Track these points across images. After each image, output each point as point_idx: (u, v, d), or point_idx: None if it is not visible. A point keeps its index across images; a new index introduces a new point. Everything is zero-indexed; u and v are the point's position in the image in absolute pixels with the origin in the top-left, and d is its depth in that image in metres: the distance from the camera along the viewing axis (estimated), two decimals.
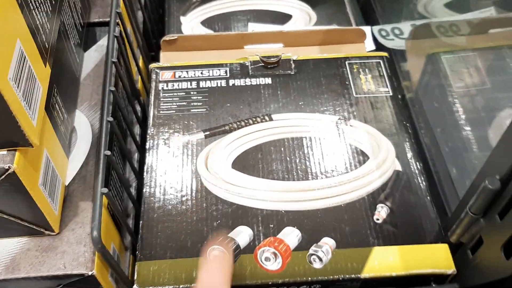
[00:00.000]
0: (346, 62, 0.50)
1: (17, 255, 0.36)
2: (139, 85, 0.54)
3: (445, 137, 0.48)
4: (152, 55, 0.62)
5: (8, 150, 0.30)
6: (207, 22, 0.62)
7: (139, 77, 0.54)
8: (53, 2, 0.35)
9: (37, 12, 0.31)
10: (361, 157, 0.43)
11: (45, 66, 0.32)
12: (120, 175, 0.41)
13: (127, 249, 0.43)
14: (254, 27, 0.60)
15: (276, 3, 0.63)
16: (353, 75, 0.49)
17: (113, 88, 0.40)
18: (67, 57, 0.40)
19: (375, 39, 0.60)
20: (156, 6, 0.66)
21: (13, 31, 0.27)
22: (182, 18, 0.62)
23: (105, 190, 0.35)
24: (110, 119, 0.39)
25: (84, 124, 0.42)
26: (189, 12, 0.63)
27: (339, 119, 0.46)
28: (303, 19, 0.62)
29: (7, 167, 0.29)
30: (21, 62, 0.28)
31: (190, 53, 0.55)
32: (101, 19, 0.50)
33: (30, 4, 0.30)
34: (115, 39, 0.44)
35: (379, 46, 0.59)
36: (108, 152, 0.37)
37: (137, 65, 0.53)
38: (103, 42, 0.48)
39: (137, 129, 0.51)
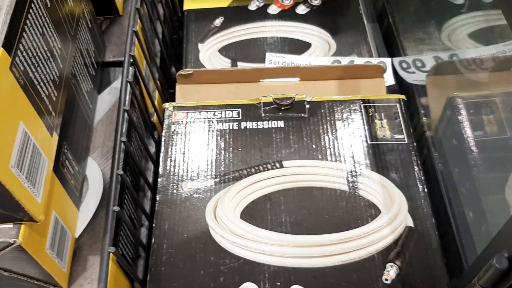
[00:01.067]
0: (362, 105, 0.49)
1: None
2: (155, 118, 0.54)
3: (463, 178, 0.47)
4: (169, 78, 0.62)
5: (14, 224, 0.30)
6: (224, 50, 0.61)
7: (154, 110, 0.54)
8: (61, 66, 0.35)
9: (43, 86, 0.31)
10: (373, 210, 0.43)
11: (52, 136, 0.32)
12: (131, 230, 0.41)
13: None
14: (272, 58, 0.59)
15: (295, 30, 0.62)
16: (368, 119, 0.48)
17: (124, 139, 0.41)
18: (79, 108, 0.41)
19: (395, 72, 0.59)
20: (174, 27, 0.66)
21: (15, 115, 0.27)
22: (200, 46, 0.61)
23: (113, 249, 0.36)
24: (120, 172, 0.39)
25: (95, 172, 0.42)
26: (207, 39, 0.62)
27: (351, 168, 0.45)
28: (322, 48, 0.61)
29: (12, 241, 0.30)
30: (25, 144, 0.28)
31: (205, 86, 0.55)
32: (115, 59, 0.50)
33: (34, 80, 0.30)
34: (128, 84, 0.44)
35: (399, 80, 0.58)
36: (117, 208, 0.37)
37: (151, 99, 0.53)
38: (116, 84, 0.48)
39: (150, 165, 0.51)
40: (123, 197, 0.42)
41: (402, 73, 0.58)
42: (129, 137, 0.44)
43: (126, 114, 0.43)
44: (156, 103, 0.54)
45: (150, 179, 0.51)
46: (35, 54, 0.30)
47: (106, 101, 0.47)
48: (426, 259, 0.40)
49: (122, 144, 0.41)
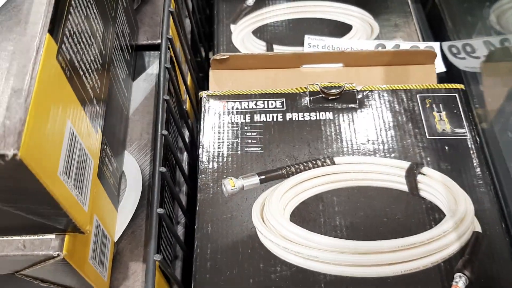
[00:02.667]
0: (418, 96, 0.45)
1: None
2: (187, 105, 0.50)
3: None
4: (197, 61, 0.57)
5: (56, 234, 0.26)
6: (258, 32, 0.56)
7: (187, 96, 0.50)
8: (103, 52, 0.31)
9: (87, 76, 0.27)
10: (436, 214, 0.39)
11: (97, 134, 0.28)
12: (173, 232, 0.37)
13: None
14: (311, 41, 0.55)
15: (335, 11, 0.58)
16: (425, 111, 0.44)
17: (165, 132, 0.36)
18: (116, 98, 0.36)
19: (444, 57, 0.54)
20: (204, 7, 0.61)
21: (62, 113, 0.23)
22: (232, 27, 0.57)
23: (159, 257, 0.32)
24: (163, 170, 0.35)
25: (133, 169, 0.38)
26: (240, 20, 0.57)
27: (410, 165, 0.41)
28: (364, 30, 0.56)
29: (55, 255, 0.26)
30: (72, 146, 0.24)
31: (241, 72, 0.50)
32: (149, 42, 0.45)
33: (80, 70, 0.25)
34: (166, 70, 0.39)
35: (448, 66, 0.53)
36: (162, 211, 0.33)
37: (185, 83, 0.48)
38: (152, 70, 0.44)
39: (185, 156, 0.47)
40: (163, 195, 0.38)
41: (452, 59, 0.53)
42: (167, 128, 0.40)
43: (165, 104, 0.38)
44: (189, 86, 0.50)
45: (186, 171, 0.47)
46: (80, 39, 0.25)
47: (142, 89, 0.43)
48: (498, 268, 0.37)
49: (163, 137, 0.37)
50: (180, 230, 0.44)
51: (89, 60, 0.27)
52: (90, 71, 0.27)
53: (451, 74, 0.54)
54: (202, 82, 0.57)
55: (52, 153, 0.21)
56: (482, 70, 0.51)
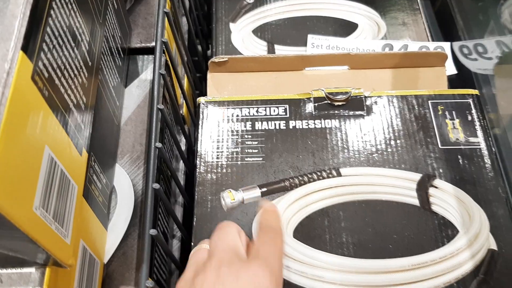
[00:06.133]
0: (429, 102, 0.42)
1: None
2: (184, 110, 0.47)
3: None
4: (195, 60, 0.54)
5: (36, 268, 0.24)
6: (259, 31, 0.54)
7: (183, 100, 0.47)
8: (89, 63, 0.28)
9: (70, 93, 0.24)
10: (449, 230, 0.36)
11: (81, 155, 0.26)
12: (167, 251, 0.35)
13: None
14: (314, 40, 0.52)
15: (340, 9, 0.55)
16: (437, 119, 0.41)
17: (159, 145, 0.34)
18: (105, 108, 0.34)
19: (455, 58, 0.51)
20: (201, 4, 0.58)
21: (39, 140, 0.20)
22: (231, 26, 0.54)
23: (151, 283, 0.29)
24: (157, 186, 0.32)
25: (125, 183, 0.36)
26: (239, 18, 0.54)
27: (421, 178, 0.39)
28: (371, 29, 0.53)
29: None
30: (51, 174, 0.21)
31: (241, 74, 0.47)
32: (143, 45, 0.42)
33: (61, 88, 0.23)
34: (161, 77, 0.37)
35: (459, 68, 0.51)
36: (154, 232, 0.31)
37: (181, 87, 0.46)
38: (145, 75, 0.41)
39: (181, 165, 0.45)
40: (157, 212, 0.36)
41: (464, 60, 0.51)
42: (161, 139, 0.38)
43: (159, 113, 0.36)
44: (185, 90, 0.47)
45: (182, 181, 0.45)
46: (61, 53, 0.23)
47: (135, 96, 0.40)
48: None
49: (157, 150, 0.34)
50: (176, 244, 0.41)
51: (72, 74, 0.24)
52: (73, 86, 0.25)
53: (462, 76, 0.51)
54: (199, 84, 0.55)
55: (26, 187, 0.19)
56: (495, 72, 0.49)
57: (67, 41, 0.25)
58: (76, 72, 0.26)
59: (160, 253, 0.36)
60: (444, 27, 0.57)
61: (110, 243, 0.34)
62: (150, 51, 0.43)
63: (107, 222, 0.34)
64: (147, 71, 0.42)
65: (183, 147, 0.46)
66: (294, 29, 0.53)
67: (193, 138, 0.44)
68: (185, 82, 0.48)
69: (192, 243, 0.36)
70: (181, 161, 0.45)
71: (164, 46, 0.38)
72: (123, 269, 0.33)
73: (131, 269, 0.33)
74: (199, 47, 0.57)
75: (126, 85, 0.41)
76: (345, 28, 0.53)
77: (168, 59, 0.39)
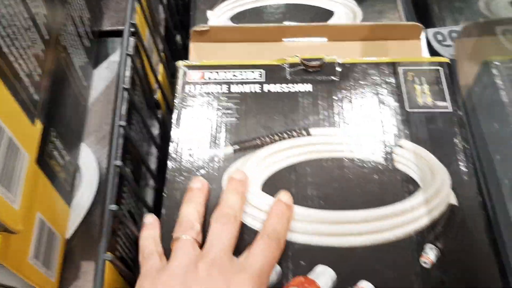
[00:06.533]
0: (400, 68, 0.44)
1: None
2: (159, 95, 0.48)
3: (505, 166, 0.41)
4: (174, 49, 0.56)
5: None
6: (237, 18, 0.55)
7: (158, 86, 0.48)
8: (46, 37, 0.29)
9: (21, 62, 0.26)
10: (411, 186, 0.38)
11: (34, 124, 0.27)
12: (132, 229, 0.36)
13: None
14: None
15: None
16: (407, 84, 0.43)
17: (123, 123, 0.35)
18: (70, 87, 0.35)
19: (430, 46, 0.53)
20: None
21: None
22: (209, 13, 0.56)
23: (109, 257, 0.30)
24: (119, 163, 0.33)
25: (90, 161, 0.37)
26: (217, 6, 0.56)
27: (387, 138, 0.40)
28: (347, 17, 0.55)
29: None
30: None
31: (223, 45, 0.50)
32: (114, 28, 0.44)
33: (10, 56, 0.24)
34: (129, 57, 0.38)
35: (434, 54, 0.52)
36: (115, 207, 0.32)
37: (154, 75, 0.47)
38: (115, 57, 0.43)
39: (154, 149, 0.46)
40: (122, 190, 0.36)
41: (436, 46, 0.52)
42: (129, 120, 0.39)
43: (126, 93, 0.37)
44: (160, 77, 0.49)
45: (154, 165, 0.46)
46: (11, 22, 0.24)
47: (103, 77, 0.42)
48: (472, 242, 0.35)
49: (121, 129, 0.36)
50: None
51: (25, 45, 0.25)
52: (26, 56, 0.25)
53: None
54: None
55: None
56: (456, 47, 0.50)
57: (19, 12, 0.26)
58: (29, 43, 0.27)
59: (127, 232, 0.37)
60: (420, 15, 0.58)
61: (73, 219, 0.35)
62: (121, 34, 0.45)
63: (70, 199, 0.36)
64: (117, 53, 0.44)
65: (157, 132, 0.47)
66: (271, 17, 0.55)
67: (169, 125, 0.45)
68: (159, 69, 0.50)
69: (164, 193, 0.38)
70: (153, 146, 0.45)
71: (133, 28, 0.39)
72: (86, 245, 0.34)
73: (93, 244, 0.34)
74: (178, 36, 0.59)
75: (95, 67, 0.43)
76: (321, 15, 0.55)
77: (139, 43, 0.41)
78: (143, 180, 0.44)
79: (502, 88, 0.45)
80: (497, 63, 0.47)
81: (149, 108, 0.46)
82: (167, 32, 0.53)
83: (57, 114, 0.33)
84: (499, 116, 0.44)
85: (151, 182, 0.44)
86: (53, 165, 0.32)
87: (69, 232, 0.35)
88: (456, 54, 0.51)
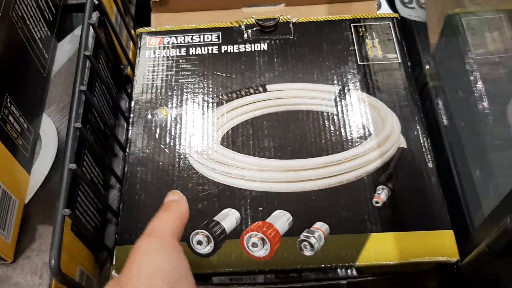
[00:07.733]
0: (351, 25, 0.45)
1: None
2: (129, 71, 0.49)
3: (468, 128, 0.43)
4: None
5: None
6: None
7: (128, 62, 0.49)
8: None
9: None
10: (363, 132, 0.39)
11: None
12: (93, 190, 0.37)
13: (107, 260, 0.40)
14: (248, 9, 0.55)
15: None
16: (358, 39, 0.44)
17: (84, 88, 0.36)
18: (30, 57, 0.36)
19: (393, 6, 0.54)
20: None
21: None
22: None
23: (67, 211, 0.31)
24: (78, 125, 0.34)
25: (50, 129, 0.38)
26: None
27: (340, 90, 0.42)
28: None
29: None
30: None
31: (183, 14, 0.51)
32: (79, 1, 0.45)
33: None
34: (91, 27, 0.39)
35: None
36: (74, 166, 0.32)
37: (124, 52, 0.47)
38: (78, 31, 0.43)
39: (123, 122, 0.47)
40: (83, 156, 0.38)
41: (401, 8, 0.53)
42: (91, 88, 0.40)
43: (87, 60, 0.38)
44: (130, 54, 0.50)
45: (123, 137, 0.46)
46: None
47: (67, 50, 0.43)
48: (421, 180, 0.37)
49: (82, 94, 0.36)
50: (114, 195, 0.43)
51: None
52: None
53: (402, 26, 0.54)
54: None
55: None
56: (426, 6, 0.51)
57: None
58: None
59: (89, 197, 0.38)
60: None
61: (32, 184, 0.36)
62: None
63: (30, 165, 0.37)
64: (81, 28, 0.45)
65: (125, 106, 0.47)
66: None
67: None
68: (130, 46, 0.51)
69: (127, 153, 0.39)
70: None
71: (96, 2, 0.40)
72: (43, 209, 0.35)
73: (51, 209, 0.35)
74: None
75: (60, 40, 0.44)
76: None
77: (103, 16, 0.41)
78: (110, 151, 0.45)
79: (464, 40, 0.46)
80: (460, 17, 0.48)
81: (118, 84, 0.47)
82: (138, 10, 0.54)
83: (13, 82, 0.34)
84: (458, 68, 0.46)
85: (121, 155, 0.45)
86: (8, 130, 0.33)
87: (27, 198, 0.36)
88: (427, 14, 0.52)
